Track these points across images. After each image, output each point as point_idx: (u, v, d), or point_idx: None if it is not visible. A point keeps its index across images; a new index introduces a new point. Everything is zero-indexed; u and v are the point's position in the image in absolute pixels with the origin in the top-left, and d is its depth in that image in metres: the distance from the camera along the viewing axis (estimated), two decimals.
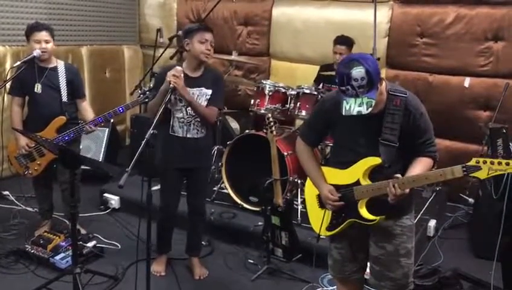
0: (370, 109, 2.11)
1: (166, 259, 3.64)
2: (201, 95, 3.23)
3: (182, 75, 3.06)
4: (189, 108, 3.18)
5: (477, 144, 4.68)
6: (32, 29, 3.64)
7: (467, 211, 4.75)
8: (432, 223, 4.24)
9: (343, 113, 2.15)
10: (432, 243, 4.17)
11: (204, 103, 3.24)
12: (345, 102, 2.15)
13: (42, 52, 3.62)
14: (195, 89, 3.22)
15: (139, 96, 3.60)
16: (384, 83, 2.27)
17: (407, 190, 2.23)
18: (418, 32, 5.05)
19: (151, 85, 4.37)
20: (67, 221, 4.11)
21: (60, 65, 3.78)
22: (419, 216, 4.08)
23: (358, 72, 2.10)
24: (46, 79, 3.71)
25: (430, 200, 4.52)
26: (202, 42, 3.16)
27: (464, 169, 2.09)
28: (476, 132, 4.67)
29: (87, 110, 3.87)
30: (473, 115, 4.91)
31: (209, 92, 3.24)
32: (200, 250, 3.68)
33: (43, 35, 3.62)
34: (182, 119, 3.25)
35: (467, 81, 4.89)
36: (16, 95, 3.79)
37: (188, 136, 3.28)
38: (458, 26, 4.87)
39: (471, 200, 4.59)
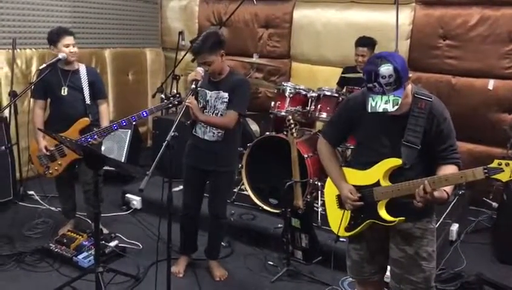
0: (396, 107, 2.11)
1: (187, 260, 3.66)
2: (218, 98, 3.26)
3: (202, 74, 3.09)
4: (205, 110, 3.21)
5: (502, 148, 4.60)
6: (61, 34, 3.76)
7: (491, 215, 4.66)
8: (455, 227, 4.19)
9: (369, 110, 2.15)
10: (455, 247, 4.11)
11: (221, 106, 3.26)
12: (371, 99, 2.15)
13: (71, 54, 3.75)
14: (213, 92, 3.26)
15: (163, 101, 3.63)
16: (410, 86, 2.27)
17: (438, 193, 2.19)
18: (441, 34, 4.99)
19: (174, 90, 4.43)
20: (89, 221, 4.18)
21: (82, 68, 3.89)
22: (441, 220, 4.03)
23: (386, 69, 2.10)
24: (70, 81, 3.82)
25: (452, 203, 4.46)
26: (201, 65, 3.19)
27: (486, 171, 2.06)
28: (500, 135, 4.60)
29: (105, 112, 3.93)
30: (497, 118, 4.83)
31: (226, 95, 3.25)
32: (218, 254, 3.67)
33: (72, 39, 3.78)
34: (200, 122, 3.30)
35: (491, 84, 4.81)
36: (39, 98, 3.89)
37: (206, 138, 3.32)
38: (482, 28, 4.79)
39: (495, 204, 4.51)
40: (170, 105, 3.38)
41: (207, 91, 3.27)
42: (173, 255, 3.07)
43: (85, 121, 3.80)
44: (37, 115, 3.89)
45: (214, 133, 3.31)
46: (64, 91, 3.81)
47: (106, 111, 3.97)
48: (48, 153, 3.81)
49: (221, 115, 3.27)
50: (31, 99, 3.92)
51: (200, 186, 3.50)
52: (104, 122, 3.87)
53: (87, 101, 3.84)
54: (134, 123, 3.89)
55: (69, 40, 3.75)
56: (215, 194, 3.49)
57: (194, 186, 3.46)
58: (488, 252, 4.12)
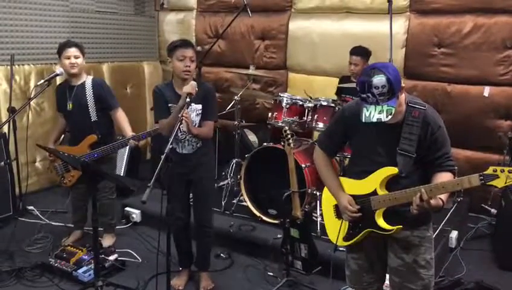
0: (390, 117, 2.14)
1: (187, 274, 3.66)
2: (192, 110, 3.26)
3: (196, 89, 3.08)
4: (182, 125, 3.14)
5: (499, 154, 4.62)
6: (62, 47, 3.85)
7: (490, 222, 4.68)
8: (454, 234, 4.19)
9: (363, 120, 2.18)
10: (454, 254, 4.11)
11: (197, 118, 3.28)
12: (365, 109, 2.18)
13: (71, 66, 3.79)
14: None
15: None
16: (404, 95, 2.30)
17: (434, 201, 2.21)
18: (436, 42, 5.03)
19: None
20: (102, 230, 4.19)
21: (88, 80, 3.93)
22: (440, 227, 4.04)
23: (379, 80, 2.14)
24: (75, 97, 3.88)
25: (451, 211, 4.47)
26: (181, 60, 3.17)
27: (481, 178, 2.08)
28: (497, 141, 4.62)
29: (121, 121, 3.93)
30: (494, 124, 4.85)
31: (199, 106, 3.27)
32: (208, 264, 3.64)
33: (73, 51, 3.82)
34: (176, 136, 3.27)
35: (487, 91, 4.84)
36: (59, 111, 4.10)
37: (184, 152, 3.34)
38: (476, 36, 4.83)
39: (493, 210, 4.52)
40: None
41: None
42: (173, 268, 3.08)
43: (92, 137, 3.86)
44: (58, 123, 4.15)
45: (193, 146, 3.33)
46: (70, 106, 3.89)
47: (123, 118, 3.94)
48: (62, 163, 3.91)
49: (198, 126, 3.29)
50: (31, 114, 4.00)
51: (185, 195, 3.49)
52: (126, 129, 3.88)
53: (93, 118, 3.89)
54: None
55: (69, 52, 3.80)
56: (199, 202, 3.48)
57: (178, 196, 3.42)
58: (488, 259, 4.12)
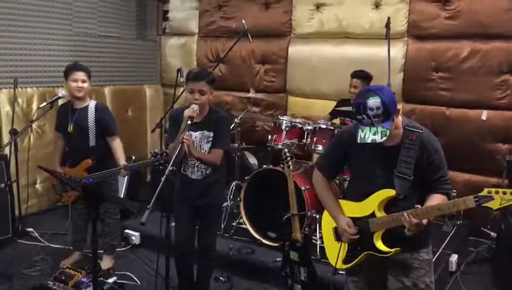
0: (384, 138, 2.18)
1: None
2: (203, 137, 3.31)
3: (198, 112, 3.14)
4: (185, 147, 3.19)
5: (498, 177, 4.63)
6: (71, 69, 3.91)
7: (490, 246, 4.65)
8: (454, 258, 4.17)
9: (358, 141, 2.21)
10: (455, 278, 4.08)
11: (206, 145, 3.32)
12: (360, 130, 2.22)
13: (78, 89, 3.87)
14: (198, 132, 3.30)
15: (151, 158, 3.66)
16: (400, 118, 2.34)
17: (425, 221, 2.23)
18: (433, 66, 5.10)
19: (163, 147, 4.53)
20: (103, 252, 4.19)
21: (91, 104, 3.98)
22: (440, 251, 4.03)
23: (373, 101, 2.19)
24: (76, 120, 3.93)
25: (451, 234, 4.46)
26: (191, 92, 3.23)
27: (476, 199, 2.11)
28: (496, 165, 4.63)
29: (116, 149, 3.98)
30: (492, 147, 4.88)
31: (211, 134, 3.31)
32: (207, 287, 3.64)
33: (80, 75, 3.89)
34: (187, 161, 3.33)
35: (485, 114, 4.89)
36: (57, 131, 4.14)
37: (194, 177, 3.37)
38: (473, 60, 4.91)
39: (493, 234, 4.51)
40: (156, 163, 3.38)
41: (191, 132, 3.27)
42: None
43: (87, 163, 3.89)
44: (58, 146, 4.17)
45: (202, 172, 3.35)
46: (70, 128, 3.93)
47: (119, 147, 3.99)
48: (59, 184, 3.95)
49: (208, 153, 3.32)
50: (33, 136, 4.02)
51: (192, 222, 3.49)
52: (120, 158, 3.92)
53: (91, 143, 3.92)
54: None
55: (77, 75, 3.87)
56: (206, 227, 3.50)
57: (185, 223, 3.43)
58: (488, 282, 4.10)
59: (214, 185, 3.41)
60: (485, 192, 2.10)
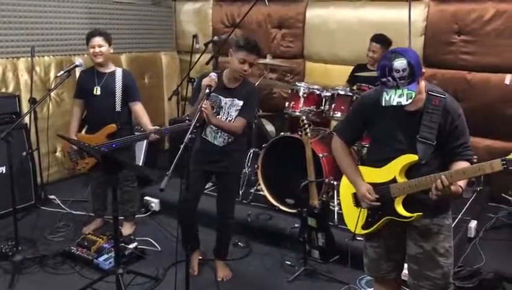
0: (410, 101, 2.14)
1: (197, 258, 3.68)
2: (233, 105, 3.30)
3: (216, 80, 3.12)
4: (218, 116, 3.24)
5: None
6: (88, 36, 3.94)
7: (510, 212, 4.61)
8: (473, 224, 4.15)
9: (383, 104, 2.17)
10: (473, 244, 4.07)
11: (235, 113, 3.31)
12: (385, 93, 2.18)
13: (95, 55, 3.88)
14: (228, 99, 3.30)
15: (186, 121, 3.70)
16: (424, 82, 2.29)
17: (454, 187, 2.20)
18: (456, 29, 4.94)
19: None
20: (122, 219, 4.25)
21: (118, 71, 4.02)
22: (459, 217, 4.01)
23: (400, 63, 2.14)
24: (104, 83, 3.96)
25: (470, 200, 4.43)
26: (241, 62, 3.20)
27: (504, 162, 2.06)
28: None
29: (142, 113, 4.01)
30: None
31: (241, 103, 3.30)
32: (226, 253, 3.69)
33: (97, 40, 3.90)
34: (211, 126, 3.33)
35: (508, 79, 4.74)
36: (77, 98, 4.12)
37: (216, 143, 3.37)
38: (498, 22, 4.73)
39: None
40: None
41: (221, 98, 3.30)
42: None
43: (112, 127, 3.92)
44: (74, 113, 4.13)
45: (224, 138, 3.35)
46: (97, 91, 3.94)
47: (144, 111, 4.02)
48: (77, 150, 3.97)
49: (233, 122, 3.32)
50: (51, 105, 4.04)
51: (202, 184, 3.53)
52: (147, 123, 3.96)
53: (117, 108, 3.95)
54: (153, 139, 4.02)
55: (93, 41, 3.89)
56: (225, 194, 3.53)
57: (196, 184, 3.43)
58: (507, 248, 4.07)
59: (234, 153, 3.42)
60: None
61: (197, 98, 3.23)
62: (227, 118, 3.31)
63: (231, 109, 3.31)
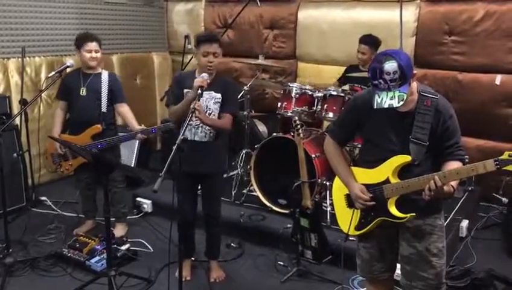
0: (401, 103, 2.15)
1: (190, 263, 3.67)
2: (211, 98, 3.28)
3: (208, 81, 3.11)
4: (195, 116, 3.12)
5: (511, 143, 4.58)
6: (84, 40, 3.92)
7: (501, 211, 4.65)
8: (465, 223, 4.18)
9: (375, 107, 2.18)
10: (465, 243, 4.10)
11: (214, 106, 3.29)
12: (377, 95, 2.19)
13: (91, 60, 3.90)
14: (205, 92, 3.22)
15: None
16: (415, 83, 2.30)
17: (446, 188, 2.21)
18: (446, 30, 4.98)
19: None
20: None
21: (104, 73, 4.01)
22: (451, 216, 4.03)
23: (390, 65, 2.15)
24: (90, 84, 3.94)
25: (462, 200, 4.45)
26: (205, 56, 3.20)
27: (497, 163, 2.07)
28: (509, 130, 4.58)
29: (128, 114, 4.02)
30: (506, 113, 4.80)
31: (218, 95, 3.29)
32: (218, 253, 3.68)
33: (94, 45, 3.92)
34: (190, 123, 3.22)
35: (498, 79, 4.79)
36: (61, 99, 4.09)
37: (196, 139, 3.31)
38: (488, 23, 4.77)
39: (505, 199, 4.50)
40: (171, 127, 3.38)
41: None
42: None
43: (97, 128, 3.90)
44: (57, 115, 4.11)
45: (206, 133, 3.31)
46: (83, 92, 3.93)
47: (130, 112, 4.03)
48: (61, 152, 3.95)
49: (213, 115, 3.29)
50: (42, 106, 4.01)
51: (193, 191, 3.51)
52: (134, 123, 3.95)
53: (103, 108, 3.94)
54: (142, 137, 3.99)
55: (91, 46, 3.90)
56: (210, 196, 3.51)
57: (187, 192, 3.41)
58: (498, 248, 4.11)
59: (216, 150, 3.39)
60: (506, 155, 2.06)
61: (175, 97, 3.25)
62: (207, 112, 3.27)
63: (209, 102, 3.29)
